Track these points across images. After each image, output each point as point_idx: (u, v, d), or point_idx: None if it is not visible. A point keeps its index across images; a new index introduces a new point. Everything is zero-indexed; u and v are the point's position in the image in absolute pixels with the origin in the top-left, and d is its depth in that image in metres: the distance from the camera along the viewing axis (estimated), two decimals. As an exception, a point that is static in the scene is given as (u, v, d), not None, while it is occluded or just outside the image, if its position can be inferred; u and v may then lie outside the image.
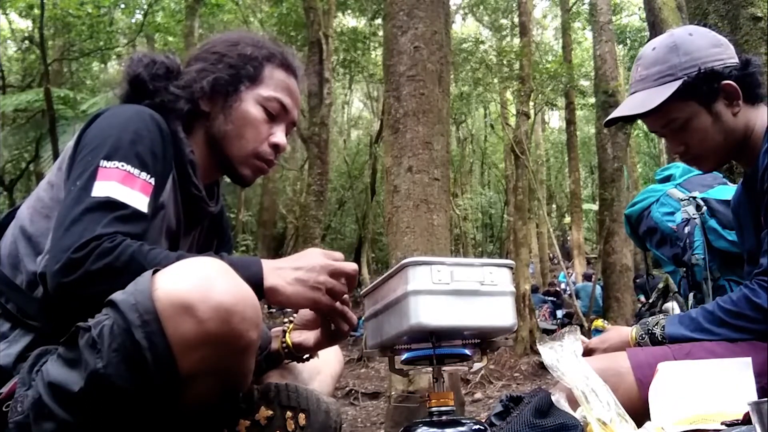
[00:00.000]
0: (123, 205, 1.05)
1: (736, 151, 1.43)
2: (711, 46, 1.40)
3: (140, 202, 1.08)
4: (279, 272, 1.08)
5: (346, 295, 1.16)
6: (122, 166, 1.07)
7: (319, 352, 1.35)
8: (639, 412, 1.17)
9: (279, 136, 1.29)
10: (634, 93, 1.45)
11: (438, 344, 1.10)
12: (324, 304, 1.12)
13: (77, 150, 1.13)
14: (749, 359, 1.17)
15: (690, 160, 1.48)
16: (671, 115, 1.40)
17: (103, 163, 1.07)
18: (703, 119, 1.39)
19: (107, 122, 1.14)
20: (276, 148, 1.29)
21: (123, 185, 1.06)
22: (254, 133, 1.27)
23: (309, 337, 1.30)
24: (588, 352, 1.47)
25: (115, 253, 0.99)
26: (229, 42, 1.30)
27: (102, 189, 1.05)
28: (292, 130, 1.35)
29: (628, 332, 1.45)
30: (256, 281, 1.04)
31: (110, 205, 1.04)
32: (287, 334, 1.33)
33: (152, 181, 1.11)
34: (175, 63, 1.27)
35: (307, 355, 1.33)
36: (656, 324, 1.40)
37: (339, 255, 1.15)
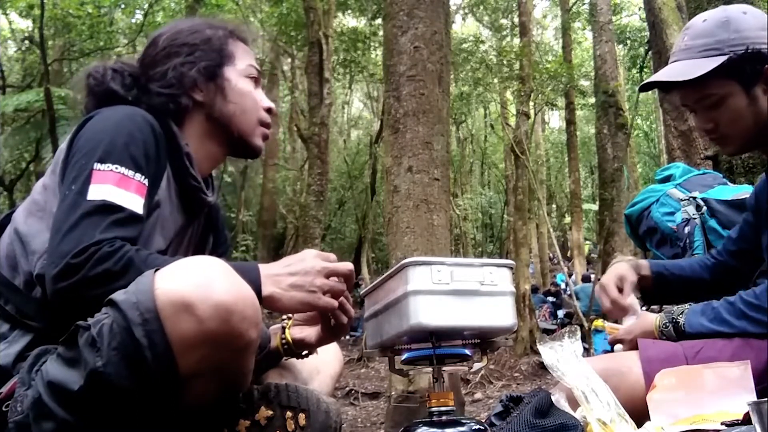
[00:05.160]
0: (119, 208, 1.06)
1: (763, 137, 1.39)
2: (761, 29, 1.36)
3: (136, 203, 1.08)
4: (275, 279, 1.09)
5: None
6: (116, 168, 1.08)
7: (319, 352, 1.35)
8: (641, 411, 1.16)
9: (266, 99, 1.37)
10: (675, 61, 1.41)
11: (438, 344, 1.10)
12: (322, 306, 1.12)
13: (70, 153, 1.13)
14: (748, 362, 1.16)
15: (716, 139, 1.44)
16: (708, 90, 1.37)
17: (98, 165, 1.07)
18: (739, 100, 1.35)
19: (99, 125, 1.14)
20: (269, 111, 1.36)
21: (118, 188, 1.07)
22: (253, 104, 1.33)
23: (311, 333, 1.30)
24: (615, 342, 1.50)
25: (114, 258, 1.00)
26: (188, 31, 1.31)
27: (98, 192, 1.05)
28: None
29: (652, 320, 1.44)
30: (253, 289, 1.04)
31: (107, 208, 1.05)
32: (287, 331, 1.33)
33: (146, 181, 1.11)
34: (132, 66, 1.29)
35: (305, 352, 1.33)
36: (681, 313, 1.40)
37: (332, 257, 1.16)
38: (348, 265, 1.16)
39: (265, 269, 1.10)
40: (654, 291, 1.62)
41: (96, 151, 1.09)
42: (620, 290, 1.54)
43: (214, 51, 1.30)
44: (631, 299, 1.53)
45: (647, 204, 2.37)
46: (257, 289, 1.05)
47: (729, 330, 1.32)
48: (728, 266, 1.63)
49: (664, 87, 1.45)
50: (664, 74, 1.41)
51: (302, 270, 1.11)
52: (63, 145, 1.17)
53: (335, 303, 1.13)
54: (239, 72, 1.32)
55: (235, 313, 0.92)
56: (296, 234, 13.84)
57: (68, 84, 14.03)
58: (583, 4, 15.76)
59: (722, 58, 1.32)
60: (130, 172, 1.09)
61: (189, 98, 1.26)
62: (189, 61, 1.27)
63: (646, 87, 1.51)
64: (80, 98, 1.30)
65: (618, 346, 1.50)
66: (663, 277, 1.63)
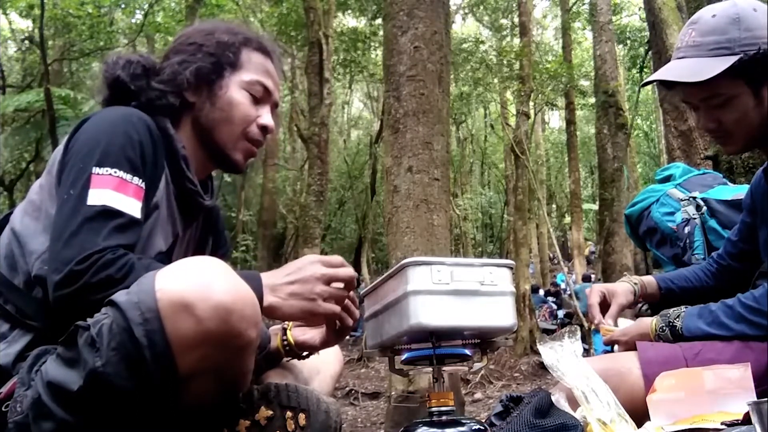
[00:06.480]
0: (120, 214, 1.06)
1: (765, 137, 1.36)
2: None
3: (134, 208, 1.09)
4: (274, 288, 1.09)
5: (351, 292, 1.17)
6: (115, 172, 1.08)
7: (320, 352, 1.35)
8: (641, 412, 1.16)
9: (266, 117, 1.31)
10: (682, 58, 1.35)
11: (438, 344, 1.10)
12: (321, 313, 1.12)
13: (67, 155, 1.13)
14: (748, 363, 1.16)
15: (718, 138, 1.41)
16: (716, 90, 1.31)
17: (96, 169, 1.07)
18: (746, 100, 1.30)
19: (96, 127, 1.14)
20: (264, 129, 1.31)
21: (117, 192, 1.07)
22: (242, 117, 1.28)
23: (314, 335, 1.30)
24: (610, 343, 1.50)
25: (116, 266, 1.01)
26: (205, 32, 1.31)
27: (97, 197, 1.05)
28: (276, 112, 1.37)
29: (648, 323, 1.43)
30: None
31: (108, 213, 1.05)
32: (288, 332, 1.33)
33: (143, 184, 1.11)
34: (150, 60, 1.28)
35: (306, 353, 1.33)
36: (678, 317, 1.39)
37: (335, 260, 1.14)
38: (349, 271, 1.15)
39: (266, 279, 1.10)
40: (663, 305, 1.62)
41: (94, 154, 1.09)
42: (605, 305, 1.58)
43: (219, 56, 1.27)
44: (619, 321, 1.56)
45: (647, 204, 2.36)
46: (260, 298, 1.05)
47: (727, 333, 1.31)
48: (731, 269, 1.62)
49: (669, 84, 1.39)
50: (672, 72, 1.36)
51: (301, 278, 1.10)
52: (60, 147, 1.17)
53: (336, 308, 1.13)
54: (239, 83, 1.28)
55: (234, 313, 0.92)
56: (296, 234, 13.83)
57: (68, 84, 14.07)
58: (583, 4, 15.75)
59: (733, 59, 1.27)
60: (128, 176, 1.09)
61: (179, 97, 1.25)
62: (188, 60, 1.26)
63: (648, 83, 1.48)
64: (97, 84, 1.30)
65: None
66: (672, 292, 1.64)
